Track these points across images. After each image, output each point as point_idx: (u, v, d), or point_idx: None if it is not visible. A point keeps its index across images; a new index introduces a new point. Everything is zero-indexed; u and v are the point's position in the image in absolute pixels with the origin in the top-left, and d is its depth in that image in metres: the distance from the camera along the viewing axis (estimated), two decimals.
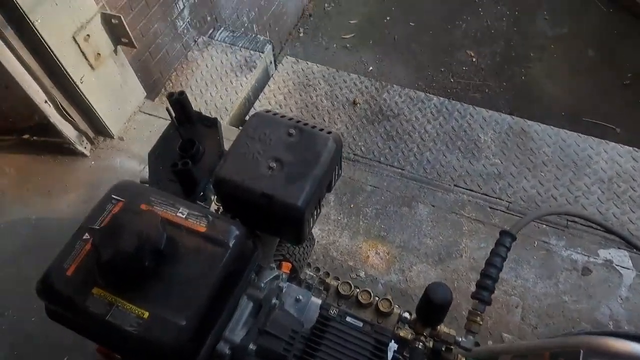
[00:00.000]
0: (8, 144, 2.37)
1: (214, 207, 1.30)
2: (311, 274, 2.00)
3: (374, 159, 2.29)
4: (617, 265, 1.93)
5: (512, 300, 1.89)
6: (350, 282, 1.21)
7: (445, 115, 2.41)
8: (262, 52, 2.70)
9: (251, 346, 1.11)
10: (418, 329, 1.20)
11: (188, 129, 1.39)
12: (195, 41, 2.87)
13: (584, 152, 2.23)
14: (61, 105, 2.12)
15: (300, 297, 1.43)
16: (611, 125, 3.36)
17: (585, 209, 2.07)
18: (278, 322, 1.19)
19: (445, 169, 2.25)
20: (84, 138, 2.33)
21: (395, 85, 2.58)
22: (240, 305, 1.13)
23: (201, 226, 1.02)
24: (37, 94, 2.03)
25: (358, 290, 1.26)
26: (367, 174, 2.23)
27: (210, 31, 2.92)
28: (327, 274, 2.01)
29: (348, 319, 1.23)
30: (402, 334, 1.21)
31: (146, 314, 0.91)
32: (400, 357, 1.23)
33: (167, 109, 1.29)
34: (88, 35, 2.00)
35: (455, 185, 2.19)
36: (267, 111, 1.19)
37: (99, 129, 2.38)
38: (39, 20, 1.81)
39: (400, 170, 2.25)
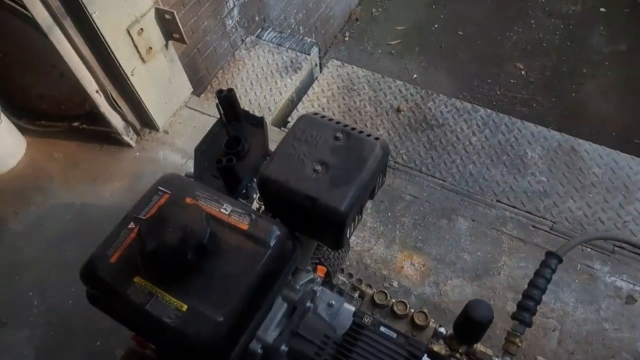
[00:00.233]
0: (59, 131, 2.48)
1: (255, 205, 1.31)
2: (344, 279, 1.97)
3: (415, 168, 2.25)
4: None
5: (549, 323, 1.82)
6: (386, 291, 1.19)
7: (491, 128, 2.34)
8: (309, 54, 2.71)
9: (283, 347, 1.10)
10: (453, 346, 1.17)
11: (235, 126, 1.40)
12: (243, 40, 2.91)
13: (636, 175, 2.12)
14: (111, 96, 2.20)
15: (333, 302, 1.42)
16: None
17: (635, 235, 1.97)
18: (311, 325, 1.18)
19: (489, 183, 2.18)
20: (130, 129, 2.41)
21: (441, 95, 2.53)
22: (275, 305, 1.13)
23: (244, 224, 1.02)
24: (89, 84, 2.11)
25: (394, 300, 1.23)
26: (407, 182, 2.19)
27: (259, 31, 2.96)
28: (360, 281, 1.98)
29: (382, 328, 1.20)
30: (436, 348, 1.18)
31: (185, 307, 0.91)
32: None
33: (217, 105, 1.30)
34: (142, 29, 2.06)
35: (497, 201, 2.12)
36: (315, 113, 1.18)
37: (145, 121, 2.45)
38: (96, 12, 1.87)
39: (441, 181, 2.20)
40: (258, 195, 1.32)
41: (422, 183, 2.20)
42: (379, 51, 4.00)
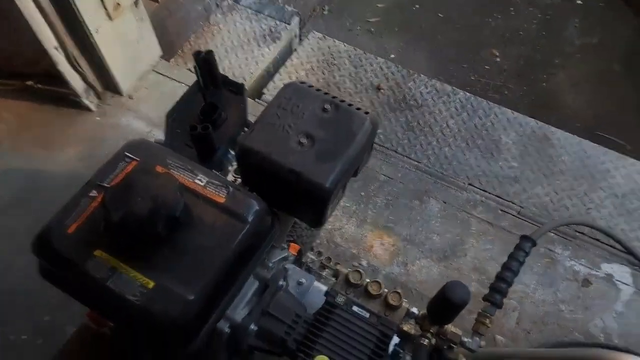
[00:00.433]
0: (9, 89, 2.27)
1: (230, 178, 1.24)
2: (313, 257, 1.95)
3: (391, 148, 2.23)
4: (617, 281, 1.91)
5: (510, 304, 1.87)
6: (361, 270, 1.17)
7: (469, 111, 2.34)
8: (289, 24, 2.60)
9: (252, 327, 1.07)
10: (425, 326, 1.16)
11: (212, 92, 1.32)
12: (218, 4, 2.76)
13: (602, 165, 2.18)
14: (72, 54, 2.03)
15: (303, 280, 1.38)
16: (623, 142, 3.31)
17: (595, 221, 2.03)
18: (282, 304, 1.15)
19: (462, 166, 2.19)
20: (91, 92, 2.24)
21: (422, 75, 2.50)
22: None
23: (220, 196, 0.96)
24: (47, 39, 1.93)
25: (368, 280, 1.21)
26: (382, 162, 2.17)
27: None
28: (329, 259, 1.96)
29: (354, 308, 1.19)
30: (406, 328, 1.17)
31: (151, 284, 0.85)
32: (401, 351, 1.20)
33: (194, 68, 1.22)
34: None
35: (469, 184, 2.14)
36: (302, 82, 1.12)
37: (108, 84, 2.29)
38: None
39: (416, 162, 2.19)
40: (234, 167, 1.26)
41: (397, 164, 2.18)
42: (358, 28, 3.92)
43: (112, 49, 2.11)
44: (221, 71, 1.30)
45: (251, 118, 1.28)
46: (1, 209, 1.98)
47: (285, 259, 1.31)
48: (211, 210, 0.94)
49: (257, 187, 1.09)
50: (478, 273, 1.91)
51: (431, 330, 1.13)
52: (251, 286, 1.09)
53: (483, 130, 2.29)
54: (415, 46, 3.78)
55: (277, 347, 1.10)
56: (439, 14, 3.97)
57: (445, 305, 1.05)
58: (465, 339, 1.15)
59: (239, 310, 1.06)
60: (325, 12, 4.03)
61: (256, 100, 2.38)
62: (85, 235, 0.89)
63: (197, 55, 1.24)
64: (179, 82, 2.46)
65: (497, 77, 3.70)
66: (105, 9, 1.96)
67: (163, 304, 0.83)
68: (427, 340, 1.11)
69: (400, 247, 1.96)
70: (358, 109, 1.09)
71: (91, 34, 1.97)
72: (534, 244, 1.26)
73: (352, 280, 1.17)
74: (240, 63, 2.51)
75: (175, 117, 1.31)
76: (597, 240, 1.98)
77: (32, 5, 1.81)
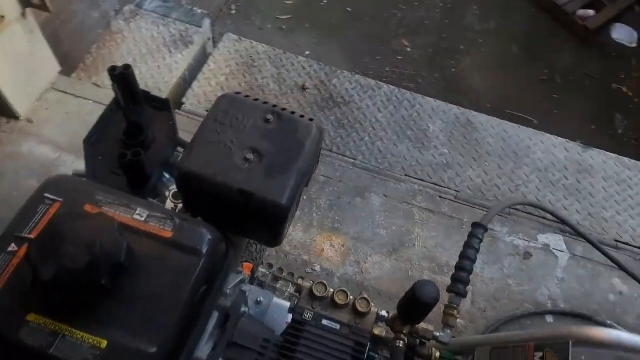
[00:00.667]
0: None
1: (169, 204, 1.12)
2: (263, 270, 1.86)
3: (325, 147, 2.19)
4: (554, 249, 2.05)
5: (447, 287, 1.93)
6: (324, 282, 1.12)
7: (395, 103, 2.37)
8: (200, 27, 2.45)
9: None
10: (397, 327, 1.14)
11: (132, 110, 1.18)
12: (117, 10, 2.53)
13: (523, 142, 2.33)
14: None
15: (261, 298, 1.31)
16: (529, 117, 3.59)
17: (525, 197, 2.16)
18: (246, 331, 1.08)
19: (396, 158, 2.22)
20: None
21: (344, 71, 2.49)
22: None
23: (166, 230, 0.84)
24: None
25: (332, 290, 1.17)
26: (319, 163, 2.12)
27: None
28: (281, 270, 1.88)
29: (324, 321, 1.14)
30: (376, 332, 1.15)
31: (103, 343, 0.72)
32: (376, 355, 1.18)
33: (112, 86, 1.07)
34: None
35: (406, 175, 2.17)
36: (237, 92, 1.03)
37: (1, 108, 2.00)
38: None
39: (352, 159, 2.18)
40: (171, 191, 1.13)
41: (333, 163, 2.16)
42: (269, 26, 3.83)
43: (1, 68, 1.84)
44: None
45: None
46: None
47: (242, 281, 1.22)
48: (157, 248, 0.82)
49: (203, 213, 0.98)
50: (428, 261, 1.95)
51: (404, 331, 1.11)
52: (212, 319, 0.99)
53: (410, 120, 2.33)
54: (327, 41, 3.79)
55: None
56: (347, 8, 4.00)
57: (415, 305, 1.03)
58: (437, 333, 1.14)
59: (202, 347, 0.96)
60: (233, 12, 3.89)
61: (177, 111, 2.22)
62: (11, 299, 0.74)
63: (113, 71, 1.10)
64: (84, 98, 2.22)
65: (409, 66, 3.82)
66: None
67: None
68: (402, 342, 1.09)
69: (350, 246, 1.94)
70: (301, 116, 1.02)
71: None
72: (485, 229, 1.29)
73: (316, 293, 1.11)
74: (152, 72, 2.33)
75: (94, 142, 1.16)
76: (530, 214, 2.11)
77: None
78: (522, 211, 2.11)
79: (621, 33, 3.83)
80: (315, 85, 2.40)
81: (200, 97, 2.32)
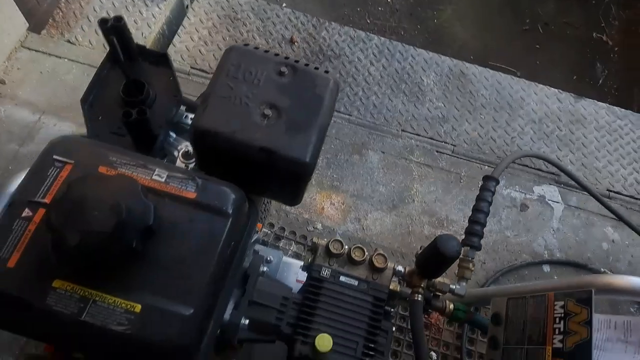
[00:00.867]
0: None
1: (179, 165, 1.07)
2: (265, 230, 1.86)
3: None
4: (549, 200, 2.09)
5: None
6: (340, 239, 1.11)
7: (387, 56, 2.31)
8: None
9: (243, 321, 0.98)
10: (414, 282, 1.15)
11: (128, 67, 1.11)
12: None
13: (517, 94, 2.32)
14: None
15: (271, 257, 1.31)
16: (512, 69, 3.58)
17: (520, 148, 2.18)
18: (265, 290, 1.07)
19: (392, 113, 2.18)
20: None
21: (333, 23, 2.40)
22: None
23: (189, 191, 0.81)
24: None
25: (348, 247, 1.16)
26: None
27: None
28: (283, 229, 1.88)
29: (342, 278, 1.14)
30: (392, 287, 1.16)
31: (138, 307, 0.70)
32: (391, 310, 1.19)
33: (109, 42, 1.00)
34: None
35: (402, 130, 2.15)
36: (246, 44, 0.97)
37: None
38: None
39: (347, 116, 2.14)
40: (180, 152, 1.08)
41: None
42: None
43: None
44: None
45: None
46: None
47: (257, 241, 1.21)
48: (183, 209, 0.79)
49: (220, 172, 0.94)
50: (427, 216, 1.97)
51: (422, 285, 1.12)
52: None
53: (404, 74, 2.29)
54: None
55: (270, 335, 1.03)
56: None
57: (438, 259, 1.03)
58: (453, 286, 1.16)
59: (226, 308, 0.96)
60: None
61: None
62: (33, 266, 0.70)
63: (104, 25, 1.02)
64: (59, 57, 2.10)
65: (391, 18, 3.71)
66: None
67: (159, 327, 0.70)
68: (420, 296, 1.10)
69: (350, 204, 1.93)
70: (316, 68, 0.98)
71: None
72: (497, 182, 1.29)
73: (333, 251, 1.11)
74: (129, 27, 2.19)
75: (92, 102, 1.09)
76: (525, 166, 2.13)
77: None
78: (518, 164, 2.13)
79: None
80: (304, 39, 2.31)
81: (184, 52, 2.21)
